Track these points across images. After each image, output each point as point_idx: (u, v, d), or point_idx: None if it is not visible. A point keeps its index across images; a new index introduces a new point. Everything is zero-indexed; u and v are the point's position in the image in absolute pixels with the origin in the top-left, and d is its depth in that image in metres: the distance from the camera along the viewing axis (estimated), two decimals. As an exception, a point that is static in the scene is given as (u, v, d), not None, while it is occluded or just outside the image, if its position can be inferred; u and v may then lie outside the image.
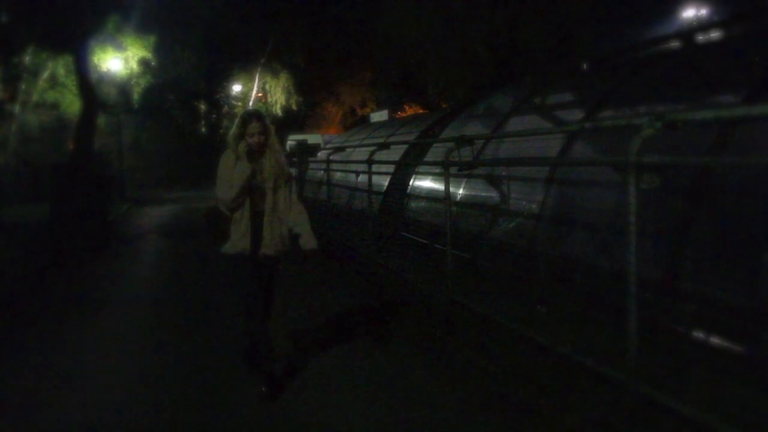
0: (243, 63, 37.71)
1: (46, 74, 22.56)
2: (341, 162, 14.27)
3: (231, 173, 4.12)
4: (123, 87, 25.67)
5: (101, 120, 21.94)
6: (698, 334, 4.21)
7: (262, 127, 4.20)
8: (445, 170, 6.80)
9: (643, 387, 3.64)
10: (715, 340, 4.10)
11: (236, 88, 39.23)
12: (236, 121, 4.25)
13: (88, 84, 17.47)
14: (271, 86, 39.35)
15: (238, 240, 4.20)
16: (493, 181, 7.53)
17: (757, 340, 3.88)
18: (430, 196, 9.49)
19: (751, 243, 4.09)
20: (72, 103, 21.73)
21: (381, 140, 12.88)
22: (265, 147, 4.26)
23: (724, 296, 4.18)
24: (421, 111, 29.25)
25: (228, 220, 4.21)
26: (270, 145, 4.29)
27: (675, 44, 7.85)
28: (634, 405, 3.65)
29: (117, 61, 24.10)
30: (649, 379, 3.67)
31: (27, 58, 21.52)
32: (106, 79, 23.69)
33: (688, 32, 7.86)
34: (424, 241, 8.58)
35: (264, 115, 4.36)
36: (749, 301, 4.01)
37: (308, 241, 4.37)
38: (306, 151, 20.01)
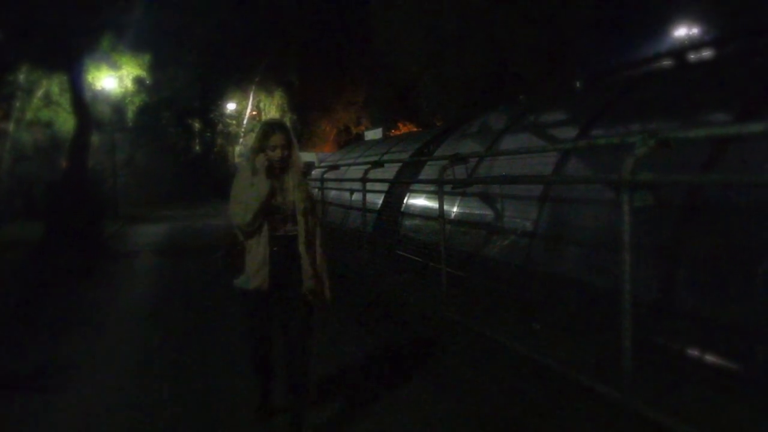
0: (237, 81, 37.86)
1: (40, 92, 22.57)
2: (335, 180, 14.21)
3: (247, 193, 3.47)
4: (117, 105, 25.69)
5: (95, 138, 21.89)
6: (693, 352, 4.21)
7: (286, 140, 3.53)
8: (440, 188, 6.82)
9: (637, 404, 3.63)
10: (709, 358, 4.10)
11: (231, 106, 39.35)
12: (256, 132, 3.62)
13: (82, 102, 17.51)
14: (265, 104, 39.57)
15: (255, 272, 3.53)
16: (487, 199, 7.56)
17: (752, 357, 3.88)
18: (424, 214, 9.50)
19: (745, 259, 4.10)
20: (66, 122, 21.68)
21: (375, 158, 12.90)
22: (289, 163, 3.58)
23: (719, 313, 4.19)
24: (415, 129, 29.38)
25: (241, 245, 3.59)
26: (294, 162, 3.61)
27: (667, 63, 7.94)
28: (629, 422, 3.64)
29: (111, 79, 24.18)
30: (643, 397, 3.66)
31: (21, 76, 21.54)
32: (100, 97, 23.72)
33: (680, 51, 7.96)
34: (419, 259, 8.58)
35: (288, 127, 3.67)
36: (743, 317, 4.01)
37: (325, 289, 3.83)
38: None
